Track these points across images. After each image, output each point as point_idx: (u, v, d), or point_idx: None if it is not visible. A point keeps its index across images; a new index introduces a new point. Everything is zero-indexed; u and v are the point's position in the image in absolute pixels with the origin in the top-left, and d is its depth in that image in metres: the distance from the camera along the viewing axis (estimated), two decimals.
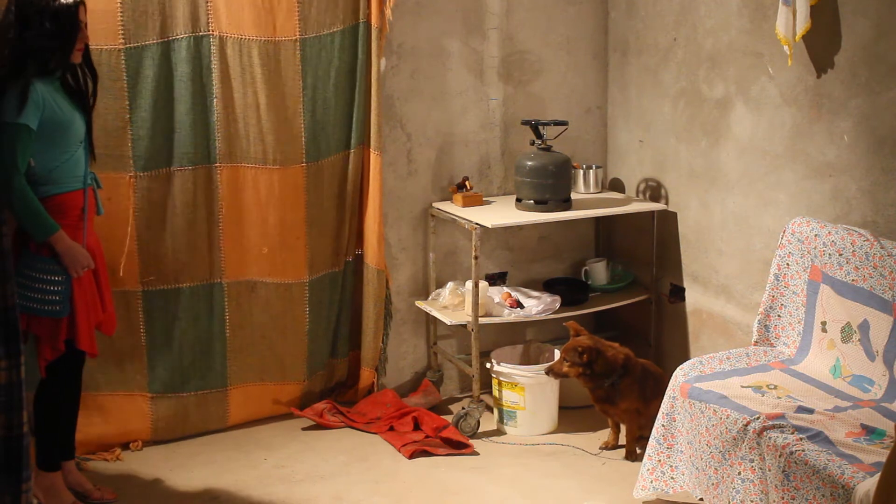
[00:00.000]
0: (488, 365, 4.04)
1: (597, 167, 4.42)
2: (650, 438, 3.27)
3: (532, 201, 4.05)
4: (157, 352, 3.83)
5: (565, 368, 3.69)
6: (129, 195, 3.67)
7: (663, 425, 3.23)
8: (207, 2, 3.67)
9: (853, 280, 3.14)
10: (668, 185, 4.23)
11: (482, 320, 3.95)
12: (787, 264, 3.39)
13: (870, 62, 3.20)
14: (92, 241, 3.22)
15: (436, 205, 4.24)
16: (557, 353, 4.09)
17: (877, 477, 2.17)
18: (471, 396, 4.05)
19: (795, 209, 3.54)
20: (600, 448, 3.82)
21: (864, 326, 3.10)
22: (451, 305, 4.12)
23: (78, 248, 3.08)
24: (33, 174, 3.02)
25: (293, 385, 4.11)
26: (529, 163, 4.05)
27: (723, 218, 3.92)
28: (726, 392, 3.06)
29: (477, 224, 3.90)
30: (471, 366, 4.02)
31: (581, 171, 4.38)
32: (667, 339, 4.32)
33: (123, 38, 3.55)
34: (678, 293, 4.22)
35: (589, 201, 4.25)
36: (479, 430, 3.99)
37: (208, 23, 3.69)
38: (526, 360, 4.22)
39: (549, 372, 3.74)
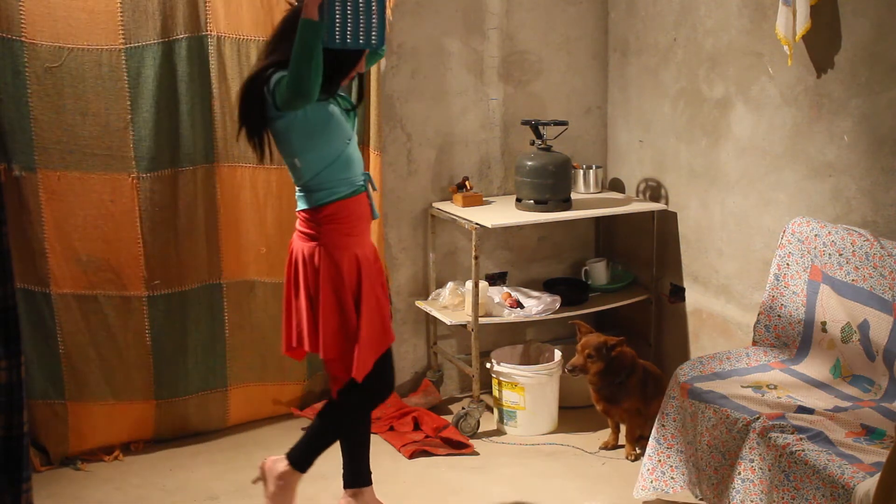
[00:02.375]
0: (488, 365, 4.04)
1: (597, 167, 4.42)
2: (650, 438, 3.27)
3: (532, 201, 4.05)
4: (164, 359, 3.82)
5: (589, 364, 3.68)
6: (133, 197, 3.67)
7: (663, 425, 3.23)
8: (206, 2, 3.67)
9: (853, 280, 3.14)
10: (668, 185, 4.23)
11: (482, 320, 3.95)
12: (787, 264, 3.39)
13: (870, 62, 3.20)
14: (370, 251, 2.97)
15: (436, 205, 4.24)
16: (558, 353, 4.10)
17: (877, 477, 2.17)
18: (471, 396, 4.05)
19: (795, 209, 3.54)
20: (600, 448, 3.82)
21: (864, 326, 3.10)
22: (451, 305, 4.12)
23: None
24: (304, 181, 2.84)
25: (293, 385, 4.11)
26: (529, 163, 4.05)
27: (723, 218, 3.92)
28: (726, 392, 3.06)
29: (477, 224, 3.90)
30: (471, 366, 4.02)
31: (581, 171, 4.38)
32: (667, 339, 4.32)
33: (124, 38, 3.55)
34: (678, 293, 4.22)
35: (589, 201, 4.25)
36: (479, 430, 3.99)
37: (207, 23, 3.69)
38: (526, 360, 4.22)
39: (573, 370, 3.70)
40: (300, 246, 2.91)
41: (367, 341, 2.89)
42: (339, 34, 2.68)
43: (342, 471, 3.18)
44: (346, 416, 3.07)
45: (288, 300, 2.96)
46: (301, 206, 2.90)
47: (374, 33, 2.69)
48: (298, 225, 2.93)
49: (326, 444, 3.11)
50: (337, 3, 2.65)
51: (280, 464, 3.07)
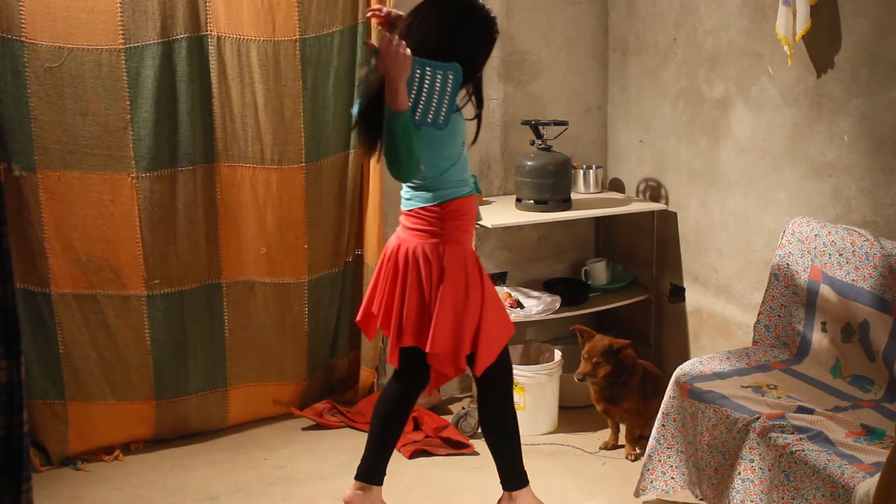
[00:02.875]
0: None
1: (597, 167, 4.42)
2: (650, 438, 3.27)
3: (532, 201, 4.05)
4: (164, 358, 3.82)
5: (598, 370, 3.67)
6: (133, 196, 3.66)
7: (663, 425, 3.23)
8: (206, 2, 3.67)
9: (853, 280, 3.15)
10: (668, 185, 4.23)
11: None
12: (787, 264, 3.39)
13: (870, 62, 3.20)
14: (471, 251, 3.02)
15: None
16: (558, 353, 4.10)
17: (877, 477, 2.17)
18: (471, 396, 4.05)
19: (795, 209, 3.54)
20: (600, 448, 3.82)
21: (864, 326, 3.10)
22: None
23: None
24: (427, 181, 2.89)
25: (293, 385, 4.11)
26: (529, 163, 4.05)
27: (723, 218, 3.92)
28: (726, 392, 3.06)
29: (477, 224, 3.90)
30: None
31: (581, 171, 4.38)
32: (667, 339, 4.32)
33: (123, 38, 3.55)
34: (678, 293, 4.22)
35: (589, 201, 4.25)
36: (479, 431, 3.99)
37: (207, 23, 3.69)
38: (526, 360, 4.22)
39: (583, 379, 3.68)
40: (414, 242, 2.91)
41: (493, 334, 2.96)
42: (420, 115, 2.73)
43: (360, 461, 3.18)
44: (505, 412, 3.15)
45: (390, 295, 2.95)
46: (418, 203, 2.93)
47: (442, 114, 2.76)
48: (410, 223, 2.94)
49: (514, 444, 3.16)
50: (418, 88, 2.70)
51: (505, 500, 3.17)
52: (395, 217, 4.21)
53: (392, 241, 3.01)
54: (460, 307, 2.90)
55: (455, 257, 2.90)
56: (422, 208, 2.91)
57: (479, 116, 3.00)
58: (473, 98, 2.99)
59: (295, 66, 3.83)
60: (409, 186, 2.95)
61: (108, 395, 3.76)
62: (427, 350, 2.89)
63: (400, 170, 2.72)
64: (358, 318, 3.10)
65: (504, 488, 3.17)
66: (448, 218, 2.90)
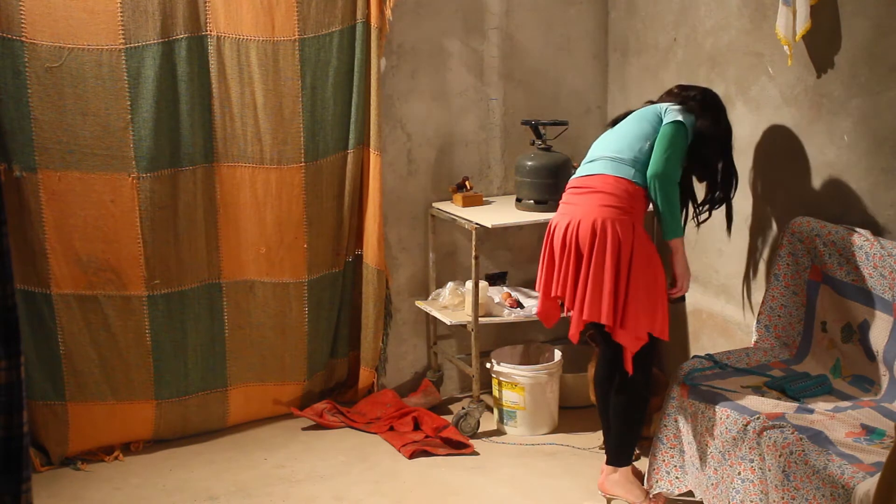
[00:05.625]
0: (488, 365, 4.04)
1: None
2: (654, 439, 3.27)
3: (532, 201, 4.05)
4: (164, 358, 3.82)
5: None
6: (133, 197, 3.66)
7: (665, 426, 3.23)
8: (206, 2, 3.67)
9: (853, 280, 3.14)
10: None
11: (482, 320, 3.95)
12: (787, 264, 3.39)
13: (870, 62, 3.20)
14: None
15: (436, 205, 4.24)
16: (558, 353, 4.10)
17: (877, 477, 2.17)
18: (471, 396, 4.05)
19: (795, 209, 3.54)
20: (600, 448, 3.82)
21: (864, 326, 3.10)
22: (451, 305, 4.12)
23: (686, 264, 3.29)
24: (641, 160, 3.20)
25: (293, 385, 4.11)
26: (529, 163, 4.05)
27: (723, 218, 3.91)
28: (726, 392, 3.06)
29: (477, 224, 3.90)
30: (471, 366, 4.02)
31: None
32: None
33: (124, 38, 3.55)
34: None
35: None
36: (479, 430, 3.99)
37: (206, 23, 3.69)
38: (526, 360, 4.22)
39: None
40: (597, 215, 3.13)
41: (665, 307, 3.20)
42: None
43: (605, 446, 3.41)
44: (639, 390, 3.26)
45: (575, 271, 3.17)
46: (615, 173, 3.19)
47: None
48: (596, 200, 3.17)
49: (635, 424, 3.32)
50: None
51: (612, 475, 3.31)
52: (395, 217, 4.24)
53: (560, 220, 3.24)
54: (651, 281, 3.15)
55: (643, 234, 3.19)
56: (627, 179, 3.17)
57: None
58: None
59: (294, 65, 3.83)
60: (617, 156, 3.23)
61: (108, 395, 3.76)
62: (622, 328, 3.10)
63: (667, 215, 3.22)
64: (538, 310, 3.36)
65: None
66: (638, 199, 3.18)
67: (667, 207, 3.16)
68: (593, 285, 3.08)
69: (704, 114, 3.31)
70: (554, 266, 3.23)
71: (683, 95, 3.37)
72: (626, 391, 3.23)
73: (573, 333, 3.19)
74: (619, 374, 3.22)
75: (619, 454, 3.30)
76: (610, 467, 3.31)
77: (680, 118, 3.22)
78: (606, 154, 3.25)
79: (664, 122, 3.22)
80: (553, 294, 3.25)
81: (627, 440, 3.29)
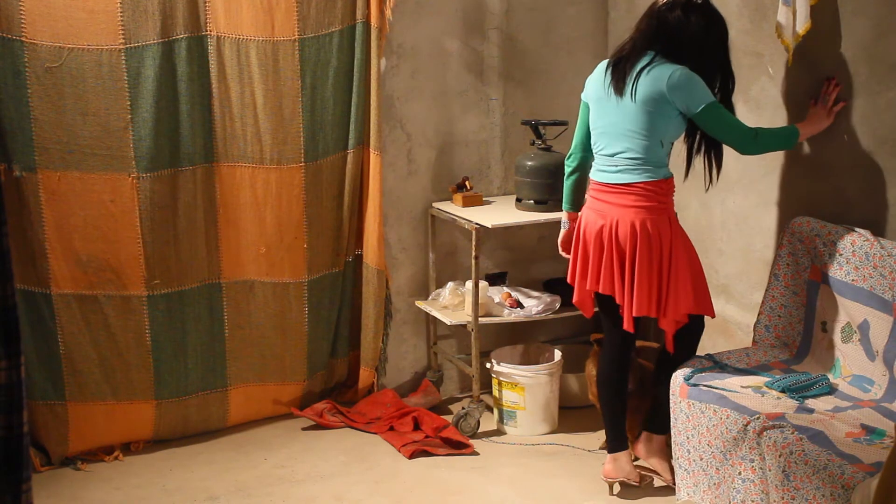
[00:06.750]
0: (488, 365, 4.04)
1: None
2: (672, 444, 3.25)
3: (532, 201, 4.05)
4: (164, 358, 3.82)
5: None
6: (133, 197, 3.66)
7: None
8: (206, 2, 3.67)
9: (853, 280, 3.14)
10: None
11: (482, 320, 3.96)
12: (787, 264, 3.39)
13: (870, 62, 3.20)
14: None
15: (436, 205, 4.24)
16: (558, 353, 4.10)
17: (877, 477, 2.17)
18: (471, 396, 4.05)
19: (795, 209, 3.54)
20: (600, 448, 3.82)
21: (864, 326, 3.10)
22: (451, 305, 4.12)
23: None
24: (657, 158, 3.23)
25: (293, 385, 4.11)
26: (529, 163, 4.05)
27: (723, 218, 3.92)
28: (726, 392, 3.06)
29: (477, 224, 3.90)
30: (471, 366, 4.02)
31: None
32: None
33: (124, 38, 3.55)
34: None
35: None
36: (479, 430, 3.99)
37: (206, 23, 3.69)
38: (526, 360, 4.22)
39: None
40: (635, 217, 3.21)
41: (705, 287, 3.35)
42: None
43: (647, 415, 3.52)
44: (678, 366, 3.34)
45: (619, 271, 3.27)
46: (643, 178, 3.22)
47: None
48: (629, 200, 3.23)
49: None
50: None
51: (648, 444, 3.50)
52: (395, 217, 4.24)
53: (593, 218, 3.30)
54: (693, 267, 3.28)
55: (678, 226, 3.29)
56: (647, 182, 3.21)
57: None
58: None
59: (294, 65, 3.83)
60: (631, 160, 3.23)
61: (108, 395, 3.76)
62: (674, 316, 3.26)
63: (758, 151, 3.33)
64: (575, 300, 3.46)
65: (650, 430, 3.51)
66: (668, 193, 3.26)
67: (776, 144, 3.32)
68: (640, 283, 3.21)
69: (693, 46, 3.21)
70: (588, 262, 3.33)
71: (668, 33, 3.20)
72: (669, 369, 3.33)
73: (627, 326, 3.30)
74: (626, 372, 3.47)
75: (667, 420, 3.32)
76: (624, 452, 3.44)
77: (705, 102, 3.17)
78: (628, 156, 3.23)
79: (696, 112, 3.17)
80: (590, 289, 3.36)
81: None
